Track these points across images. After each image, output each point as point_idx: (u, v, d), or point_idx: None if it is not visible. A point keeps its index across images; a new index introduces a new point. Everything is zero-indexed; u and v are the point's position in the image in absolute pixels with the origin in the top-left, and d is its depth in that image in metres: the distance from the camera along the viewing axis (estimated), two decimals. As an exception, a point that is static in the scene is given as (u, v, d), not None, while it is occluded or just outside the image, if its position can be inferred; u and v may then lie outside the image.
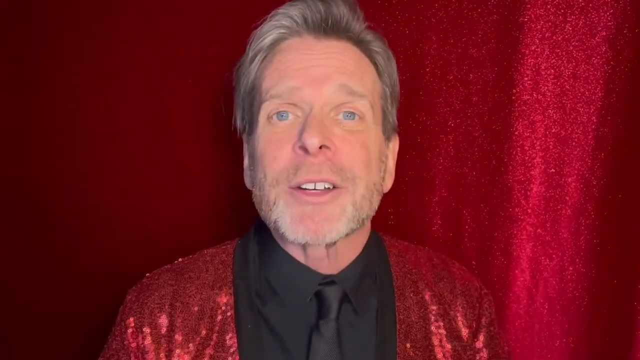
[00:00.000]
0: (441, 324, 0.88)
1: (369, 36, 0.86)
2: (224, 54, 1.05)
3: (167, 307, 0.83)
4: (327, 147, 0.77)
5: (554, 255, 1.11)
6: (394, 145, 0.93)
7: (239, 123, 0.90)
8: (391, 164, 0.92)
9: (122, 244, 1.13)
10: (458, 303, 0.91)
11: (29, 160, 1.12)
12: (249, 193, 0.87)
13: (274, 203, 0.78)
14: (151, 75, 1.10)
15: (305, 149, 0.76)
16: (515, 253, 1.12)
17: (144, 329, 0.82)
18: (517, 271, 1.12)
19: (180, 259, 0.90)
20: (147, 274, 0.88)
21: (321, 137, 0.75)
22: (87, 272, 1.14)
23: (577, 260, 1.10)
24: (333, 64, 0.81)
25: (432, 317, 0.88)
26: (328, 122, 0.79)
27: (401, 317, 0.86)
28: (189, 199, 1.13)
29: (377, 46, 0.87)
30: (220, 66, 1.03)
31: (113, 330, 0.85)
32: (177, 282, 0.85)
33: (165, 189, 1.13)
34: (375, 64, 0.87)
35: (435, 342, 0.87)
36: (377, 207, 0.84)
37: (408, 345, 0.84)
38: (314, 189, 0.77)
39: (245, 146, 0.90)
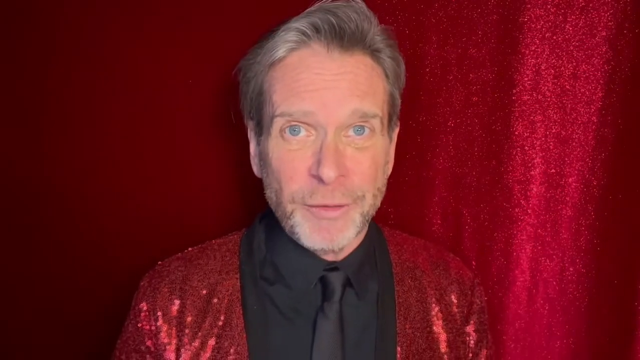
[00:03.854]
0: (438, 307, 0.94)
1: (381, 44, 0.87)
2: (227, 48, 1.05)
3: (177, 290, 0.89)
4: (341, 175, 0.81)
5: (554, 256, 1.11)
6: (395, 132, 0.94)
7: (245, 115, 0.92)
8: (392, 152, 0.94)
9: (129, 239, 1.15)
10: (453, 289, 0.96)
11: (35, 158, 1.13)
12: (254, 186, 0.91)
13: (291, 214, 0.84)
14: (154, 70, 1.11)
15: (321, 179, 0.80)
16: (515, 253, 1.12)
17: (156, 312, 0.88)
18: (517, 271, 1.12)
19: (189, 249, 0.95)
20: (159, 262, 0.94)
21: (336, 170, 0.80)
22: (94, 268, 1.15)
23: (577, 260, 1.10)
24: (346, 86, 0.82)
25: (430, 300, 0.94)
26: (341, 145, 0.82)
27: (400, 300, 0.92)
28: (195, 193, 1.14)
29: (388, 53, 0.88)
30: (224, 60, 1.04)
31: (128, 314, 0.91)
32: (187, 268, 0.91)
33: (171, 184, 1.14)
34: (384, 70, 0.88)
35: (433, 323, 0.93)
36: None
37: (407, 325, 0.90)
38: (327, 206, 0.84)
39: (250, 134, 0.93)
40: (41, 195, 1.14)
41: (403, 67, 0.91)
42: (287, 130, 0.82)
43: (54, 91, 1.11)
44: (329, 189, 0.81)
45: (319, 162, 0.80)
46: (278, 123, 0.83)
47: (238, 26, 1.08)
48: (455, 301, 0.95)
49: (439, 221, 1.14)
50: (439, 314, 0.93)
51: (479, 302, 0.98)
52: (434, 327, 0.92)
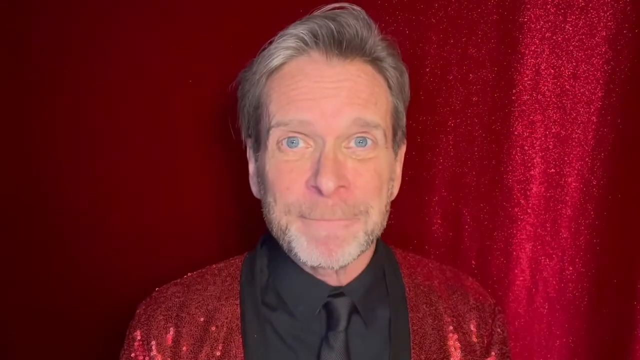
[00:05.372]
0: (456, 336, 0.87)
1: (382, 53, 0.83)
2: (225, 58, 1.05)
3: (173, 318, 0.84)
4: (342, 186, 0.77)
5: (553, 255, 1.11)
6: (402, 150, 0.91)
7: (243, 132, 0.89)
8: (398, 170, 0.90)
9: (126, 253, 1.13)
10: (472, 316, 0.90)
11: (32, 164, 1.12)
12: (254, 200, 0.88)
13: (286, 228, 0.79)
14: (153, 81, 1.10)
15: (319, 190, 0.75)
16: (515, 253, 1.12)
17: (150, 342, 0.83)
18: (516, 271, 1.12)
19: (189, 274, 0.91)
20: (157, 289, 0.89)
21: (336, 180, 0.75)
22: (90, 282, 1.14)
23: (577, 260, 1.10)
24: (345, 94, 0.77)
25: (447, 329, 0.87)
26: (341, 156, 0.77)
27: (415, 328, 0.86)
28: (194, 207, 1.13)
29: (391, 62, 0.84)
30: (220, 72, 1.03)
31: (124, 344, 0.86)
32: (184, 294, 0.86)
33: (169, 197, 1.12)
34: (387, 80, 0.84)
35: (450, 354, 0.86)
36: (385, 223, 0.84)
37: (422, 356, 0.84)
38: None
39: (249, 152, 0.89)
40: (31, 223, 1.12)
41: (407, 78, 0.87)
42: (284, 142, 0.78)
43: (48, 97, 1.10)
44: (329, 203, 0.76)
45: (317, 172, 0.75)
46: (274, 134, 0.79)
47: (238, 40, 1.07)
48: (474, 330, 0.88)
49: (439, 221, 1.14)
50: (457, 344, 0.86)
51: (500, 332, 0.91)
52: (452, 358, 0.85)
